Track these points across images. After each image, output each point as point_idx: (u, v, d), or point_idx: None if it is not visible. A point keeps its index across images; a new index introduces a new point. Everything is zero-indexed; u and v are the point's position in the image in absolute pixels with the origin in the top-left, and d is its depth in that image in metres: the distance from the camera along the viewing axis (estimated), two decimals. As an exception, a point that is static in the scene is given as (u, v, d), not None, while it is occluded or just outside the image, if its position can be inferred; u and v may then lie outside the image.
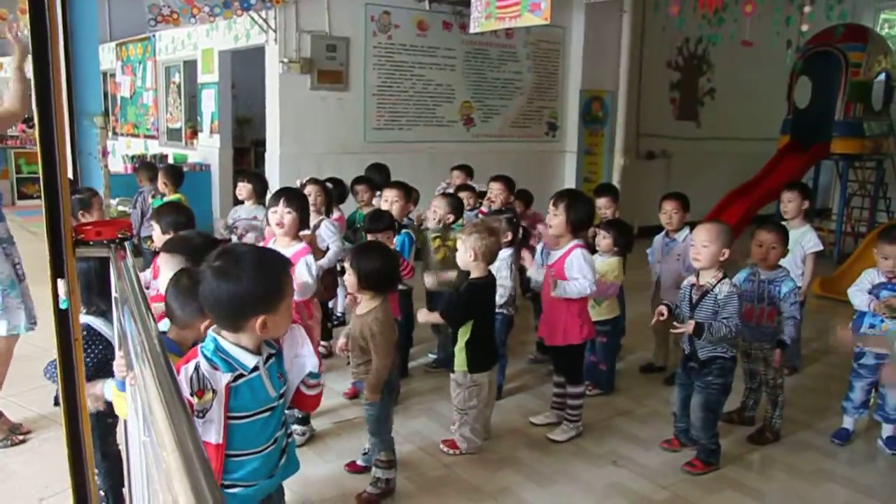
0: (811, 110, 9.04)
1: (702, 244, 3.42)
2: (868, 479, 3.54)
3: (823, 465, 3.67)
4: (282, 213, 3.63)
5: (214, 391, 1.89)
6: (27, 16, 3.89)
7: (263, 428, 2.00)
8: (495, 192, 5.32)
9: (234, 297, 1.87)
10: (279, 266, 1.99)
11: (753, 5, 7.22)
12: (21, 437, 3.72)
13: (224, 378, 1.90)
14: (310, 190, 4.72)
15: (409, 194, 4.95)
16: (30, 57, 1.88)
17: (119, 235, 2.12)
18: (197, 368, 1.89)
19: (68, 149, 1.92)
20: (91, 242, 2.09)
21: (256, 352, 1.96)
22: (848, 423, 3.95)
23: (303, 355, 2.10)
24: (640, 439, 3.88)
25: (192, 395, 1.86)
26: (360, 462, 3.41)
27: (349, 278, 3.13)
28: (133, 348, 1.33)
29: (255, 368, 1.95)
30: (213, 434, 1.90)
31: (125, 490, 2.90)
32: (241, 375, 1.93)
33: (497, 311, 3.96)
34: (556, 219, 3.72)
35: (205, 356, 1.92)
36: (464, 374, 3.57)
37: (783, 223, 4.38)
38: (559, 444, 3.80)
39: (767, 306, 3.76)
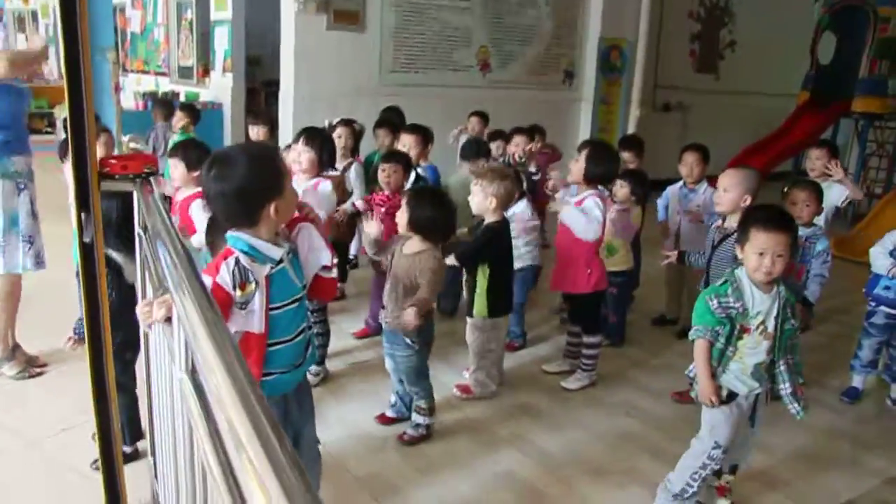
0: (834, 67, 8.89)
1: (723, 189, 3.42)
2: (875, 438, 3.57)
3: (832, 423, 3.69)
4: (300, 152, 3.61)
5: (256, 282, 1.99)
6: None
7: (294, 318, 2.13)
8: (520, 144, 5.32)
9: (241, 192, 1.97)
10: (269, 151, 2.25)
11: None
12: (38, 370, 3.76)
13: (264, 269, 2.01)
14: (340, 132, 4.68)
15: (427, 139, 4.89)
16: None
17: (145, 170, 2.11)
18: (237, 262, 1.98)
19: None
20: (116, 176, 2.07)
21: (277, 244, 2.06)
22: (857, 381, 3.97)
23: (317, 248, 2.23)
24: (652, 390, 3.91)
25: (234, 287, 1.96)
26: (389, 413, 3.42)
27: (400, 217, 3.12)
28: (171, 280, 1.33)
29: (281, 260, 2.06)
30: (255, 324, 2.02)
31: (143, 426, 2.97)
32: (272, 267, 2.04)
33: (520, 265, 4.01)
34: (576, 166, 3.70)
35: (242, 251, 2.00)
36: (483, 318, 3.58)
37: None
38: (572, 393, 3.83)
39: (798, 263, 3.74)
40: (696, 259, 3.73)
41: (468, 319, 3.68)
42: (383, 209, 3.93)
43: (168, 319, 1.61)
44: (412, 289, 3.07)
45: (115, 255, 2.70)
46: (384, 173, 4.08)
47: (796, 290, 3.77)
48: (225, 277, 1.96)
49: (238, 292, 1.96)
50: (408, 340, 3.12)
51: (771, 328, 2.53)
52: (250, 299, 1.99)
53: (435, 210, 3.10)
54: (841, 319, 5.21)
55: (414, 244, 3.14)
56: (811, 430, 3.57)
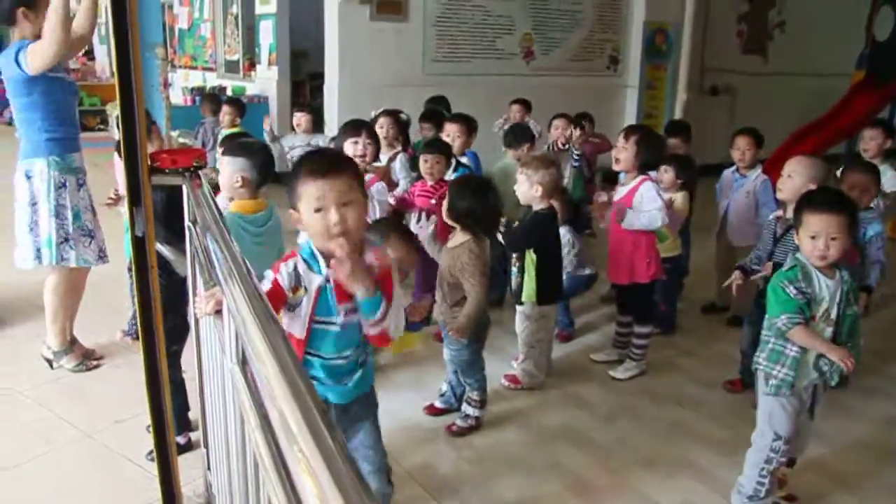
0: (892, 43, 8.59)
1: (787, 174, 3.32)
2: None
3: (891, 412, 3.59)
4: (364, 145, 3.63)
5: (306, 289, 1.99)
6: None
7: (335, 342, 2.05)
8: (561, 129, 5.24)
9: None
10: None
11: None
12: (95, 363, 3.84)
13: (317, 280, 1.99)
14: (382, 122, 4.68)
15: (472, 129, 4.86)
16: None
17: (194, 164, 2.14)
18: (296, 266, 1.99)
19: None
20: (167, 170, 2.11)
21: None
22: (919, 368, 3.85)
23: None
24: (703, 380, 3.84)
25: (289, 290, 1.97)
26: (438, 404, 3.42)
27: (444, 209, 3.14)
28: (220, 272, 1.34)
29: (328, 280, 1.99)
30: (297, 328, 2.02)
31: (191, 415, 3.02)
32: (327, 280, 2.00)
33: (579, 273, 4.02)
34: (624, 152, 3.62)
35: (302, 258, 2.01)
36: (532, 305, 3.56)
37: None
38: (621, 383, 3.79)
39: (852, 246, 3.63)
40: (738, 237, 3.63)
41: (517, 308, 3.66)
42: (433, 200, 3.93)
43: (218, 312, 1.63)
44: (456, 285, 3.07)
45: (162, 248, 2.74)
46: (426, 164, 4.07)
47: (852, 274, 3.67)
48: (283, 276, 1.98)
49: (291, 294, 1.98)
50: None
51: (834, 315, 2.46)
52: (299, 303, 2.00)
53: (475, 200, 3.08)
54: (902, 304, 5.06)
55: (456, 237, 3.13)
56: (870, 420, 3.48)
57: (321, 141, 5.22)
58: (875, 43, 8.80)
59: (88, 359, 3.84)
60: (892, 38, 8.59)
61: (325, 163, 1.93)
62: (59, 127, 3.56)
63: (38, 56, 3.34)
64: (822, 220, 2.38)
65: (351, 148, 3.69)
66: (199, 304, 1.87)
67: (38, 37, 3.38)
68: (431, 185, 4.08)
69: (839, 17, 10.05)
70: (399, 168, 4.63)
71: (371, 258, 1.97)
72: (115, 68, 1.86)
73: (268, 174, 3.06)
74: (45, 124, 3.51)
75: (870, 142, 4.49)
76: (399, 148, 4.78)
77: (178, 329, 2.78)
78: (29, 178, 3.56)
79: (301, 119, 5.46)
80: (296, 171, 1.95)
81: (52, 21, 3.26)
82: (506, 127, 6.04)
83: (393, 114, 4.89)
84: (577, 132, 5.30)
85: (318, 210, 1.88)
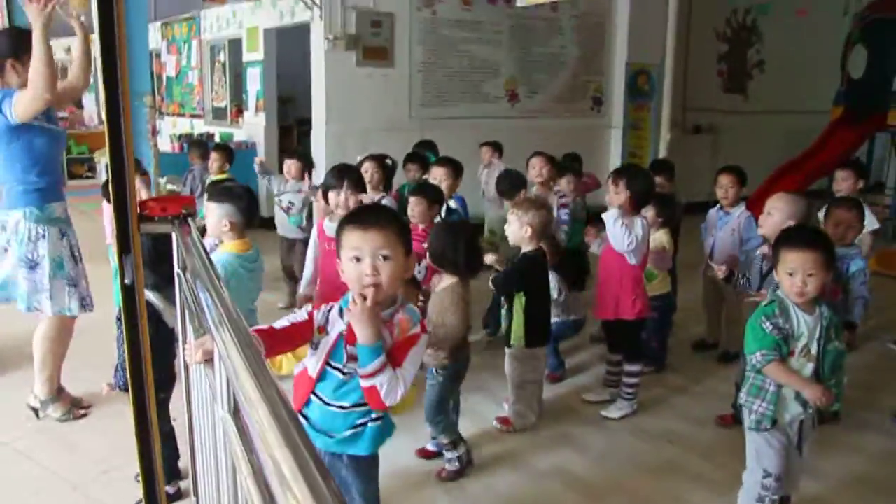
0: (867, 80, 8.78)
1: (767, 211, 3.37)
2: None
3: (885, 446, 3.59)
4: (346, 196, 3.61)
5: (328, 332, 2.07)
6: None
7: (336, 388, 2.08)
8: (538, 167, 5.19)
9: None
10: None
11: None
12: (82, 412, 3.81)
13: (339, 325, 2.05)
14: (367, 167, 4.68)
15: (458, 172, 4.87)
16: (94, 37, 1.91)
17: (183, 211, 2.15)
18: (331, 309, 2.09)
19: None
20: (156, 218, 2.11)
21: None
22: (910, 402, 3.86)
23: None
24: (695, 417, 3.84)
25: (317, 327, 2.07)
26: (430, 447, 3.40)
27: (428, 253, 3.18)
28: (211, 320, 1.34)
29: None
30: (312, 366, 2.09)
31: (180, 463, 2.99)
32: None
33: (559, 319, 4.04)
34: (618, 197, 3.67)
35: (340, 305, 2.08)
36: (520, 348, 3.56)
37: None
38: (613, 422, 3.78)
39: (833, 283, 3.66)
40: (743, 284, 3.67)
41: (506, 350, 3.66)
42: (424, 244, 3.94)
43: (208, 360, 1.63)
44: (442, 327, 3.08)
45: (151, 296, 2.74)
46: (410, 207, 4.10)
47: (835, 310, 3.69)
48: (319, 314, 2.09)
49: (317, 333, 2.07)
50: (434, 370, 3.13)
51: (814, 350, 2.48)
52: (319, 342, 2.08)
53: (454, 242, 3.11)
54: (886, 337, 5.08)
55: (443, 280, 3.16)
56: (864, 454, 3.47)
57: (305, 188, 5.23)
58: (850, 80, 8.98)
59: (76, 407, 3.80)
60: (866, 75, 8.78)
61: (369, 216, 2.04)
62: (41, 177, 3.55)
63: (22, 105, 3.36)
64: (798, 256, 2.42)
65: (333, 199, 3.70)
66: (188, 352, 1.87)
67: (24, 87, 3.40)
68: (423, 229, 4.08)
69: (815, 55, 10.26)
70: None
71: (399, 319, 2.03)
72: (104, 117, 1.88)
73: (253, 216, 3.18)
74: (25, 175, 3.51)
75: (842, 182, 4.58)
76: (383, 193, 4.79)
77: (166, 377, 2.78)
78: (4, 228, 3.56)
79: (291, 166, 5.48)
80: (342, 223, 2.07)
81: (35, 75, 3.28)
82: (485, 172, 6.07)
83: (378, 158, 4.91)
84: (568, 177, 5.20)
85: (356, 259, 1.96)
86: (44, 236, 3.55)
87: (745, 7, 10.19)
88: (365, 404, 2.06)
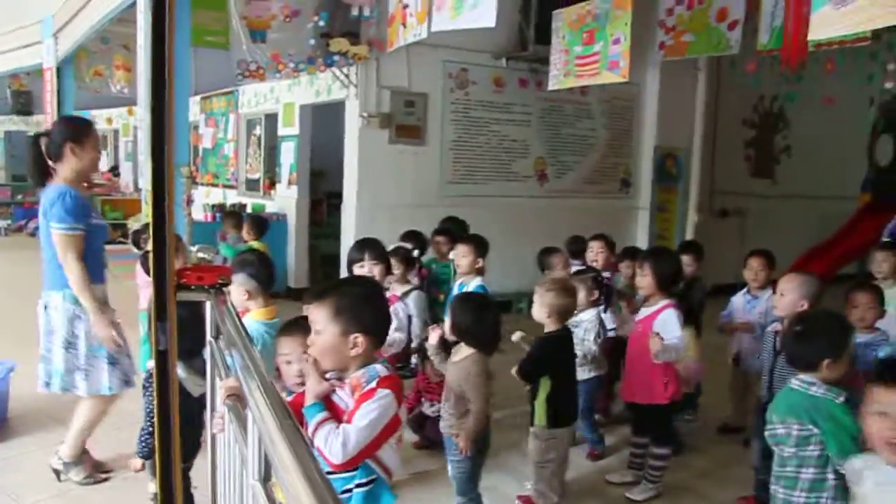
0: (894, 168, 8.81)
1: (780, 292, 3.41)
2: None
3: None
4: (369, 267, 3.68)
5: None
6: (121, 72, 4.18)
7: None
8: (595, 250, 5.22)
9: None
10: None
11: (833, 63, 7.14)
12: (104, 476, 3.82)
13: None
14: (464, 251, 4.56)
15: (482, 250, 4.82)
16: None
17: (219, 280, 2.20)
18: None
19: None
20: (192, 287, 2.17)
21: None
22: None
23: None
24: (719, 501, 3.76)
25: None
26: None
27: (447, 324, 3.19)
28: (246, 386, 1.37)
29: None
30: None
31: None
32: None
33: (588, 374, 4.03)
34: (644, 279, 3.70)
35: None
36: (542, 428, 3.53)
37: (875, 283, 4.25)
38: (637, 504, 3.72)
39: (860, 370, 3.62)
40: (751, 363, 3.67)
41: (530, 430, 3.63)
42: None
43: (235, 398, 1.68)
44: (462, 397, 3.10)
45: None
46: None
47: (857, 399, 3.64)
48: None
49: None
50: (456, 447, 3.12)
51: None
52: None
53: (480, 317, 3.14)
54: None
55: (461, 351, 3.18)
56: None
57: None
58: (878, 168, 9.01)
59: (98, 471, 3.81)
60: (893, 163, 8.81)
61: (321, 289, 2.22)
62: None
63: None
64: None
65: (358, 272, 3.76)
66: (216, 422, 1.91)
67: (79, 174, 3.64)
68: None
69: (842, 141, 10.32)
70: (413, 306, 4.39)
71: (351, 377, 2.11)
72: (149, 187, 1.96)
73: (268, 281, 3.28)
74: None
75: (882, 263, 4.54)
76: (412, 285, 4.74)
77: (191, 447, 2.81)
78: (46, 308, 3.66)
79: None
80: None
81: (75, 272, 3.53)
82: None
83: (402, 252, 4.83)
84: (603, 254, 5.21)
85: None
86: (80, 317, 3.62)
87: (772, 95, 10.33)
88: (347, 469, 2.09)
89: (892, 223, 7.50)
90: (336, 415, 2.07)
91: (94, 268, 3.70)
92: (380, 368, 2.12)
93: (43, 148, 3.67)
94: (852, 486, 2.32)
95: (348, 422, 2.03)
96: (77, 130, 3.70)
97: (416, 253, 5.03)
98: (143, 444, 3.33)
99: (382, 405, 2.06)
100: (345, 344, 2.09)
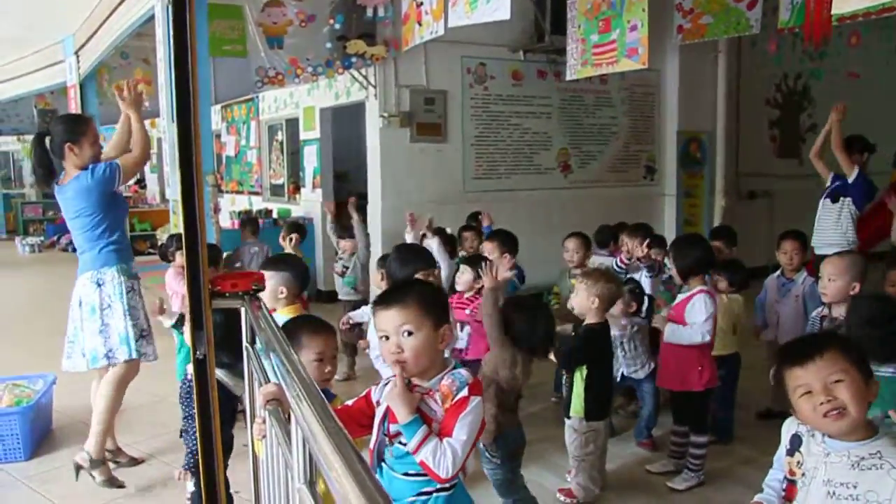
0: (926, 143, 8.65)
1: (828, 277, 3.34)
2: None
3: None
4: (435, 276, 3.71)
5: (379, 403, 2.12)
6: (141, 85, 4.34)
7: (397, 457, 2.08)
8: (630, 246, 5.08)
9: None
10: None
11: (858, 36, 7.02)
12: (119, 483, 3.90)
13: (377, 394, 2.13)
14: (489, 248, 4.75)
15: (509, 245, 4.81)
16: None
17: (253, 287, 2.21)
18: (386, 384, 2.10)
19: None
20: (227, 294, 2.18)
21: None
22: None
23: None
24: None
25: (375, 401, 2.14)
26: None
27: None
28: (288, 390, 1.38)
29: None
30: (372, 438, 2.13)
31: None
32: None
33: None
34: (673, 270, 3.68)
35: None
36: (580, 419, 3.52)
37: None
38: (680, 493, 3.69)
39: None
40: None
41: (566, 421, 3.62)
42: (467, 311, 3.96)
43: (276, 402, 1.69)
44: (495, 382, 3.11)
45: (220, 373, 2.82)
46: (457, 276, 4.17)
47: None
48: (376, 389, 2.16)
49: (377, 405, 2.13)
50: (487, 454, 3.10)
51: None
52: (376, 417, 2.13)
53: (532, 322, 3.12)
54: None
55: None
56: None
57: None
58: (911, 140, 8.84)
59: (111, 483, 3.86)
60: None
61: (392, 295, 2.13)
62: (121, 239, 3.93)
63: (130, 169, 3.87)
64: None
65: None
66: (257, 428, 1.93)
67: (82, 167, 3.79)
68: (467, 297, 4.09)
69: (871, 117, 10.15)
70: (436, 251, 4.66)
71: (440, 386, 2.04)
72: (180, 198, 1.98)
73: (305, 285, 3.51)
74: (109, 236, 3.85)
75: None
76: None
77: (225, 447, 2.82)
78: (100, 285, 3.83)
79: (346, 245, 5.75)
80: (373, 304, 2.20)
81: (141, 143, 3.92)
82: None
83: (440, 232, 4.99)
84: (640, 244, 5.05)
85: (385, 338, 2.05)
86: (133, 289, 3.90)
87: (796, 73, 10.18)
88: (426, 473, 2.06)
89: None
90: (428, 425, 2.02)
91: (124, 240, 4.00)
92: (465, 373, 2.09)
93: (48, 146, 3.88)
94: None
95: (446, 433, 1.99)
96: (72, 130, 3.85)
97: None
98: (191, 454, 3.34)
99: (477, 413, 2.04)
100: (438, 339, 2.07)
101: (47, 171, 3.94)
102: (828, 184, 5.86)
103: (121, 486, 3.88)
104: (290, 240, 6.03)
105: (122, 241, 3.93)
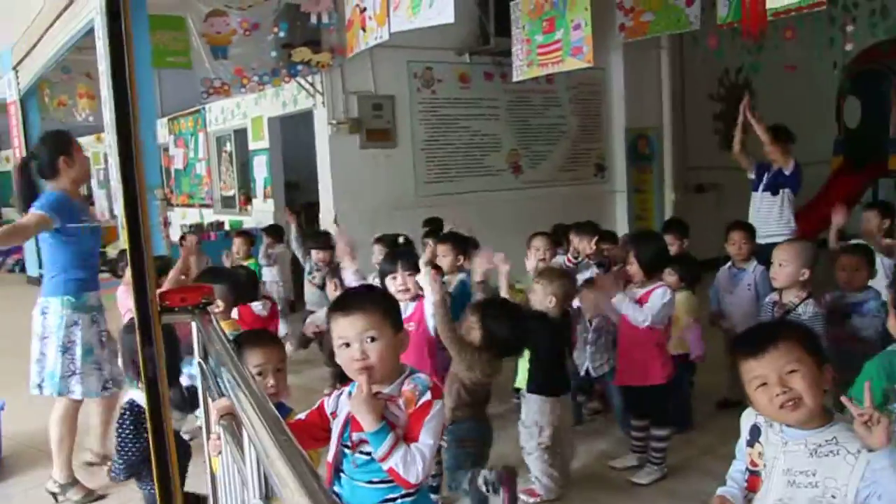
0: (863, 129, 8.91)
1: (779, 263, 3.41)
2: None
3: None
4: (403, 279, 3.49)
5: (337, 415, 2.10)
6: (84, 100, 4.33)
7: (361, 466, 2.05)
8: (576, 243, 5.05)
9: None
10: None
11: (793, 30, 7.18)
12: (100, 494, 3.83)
13: (347, 409, 2.05)
14: (443, 250, 4.59)
15: (462, 247, 4.77)
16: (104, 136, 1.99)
17: (203, 300, 2.17)
18: (342, 394, 2.10)
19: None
20: (176, 309, 2.14)
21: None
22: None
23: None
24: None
25: (330, 413, 2.12)
26: None
27: (474, 332, 3.14)
28: (239, 405, 1.35)
29: None
30: (330, 450, 2.09)
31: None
32: None
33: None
34: (632, 266, 3.70)
35: (349, 390, 2.07)
36: (530, 396, 3.53)
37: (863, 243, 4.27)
38: (643, 487, 3.72)
39: (848, 330, 3.64)
40: None
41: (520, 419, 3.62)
42: None
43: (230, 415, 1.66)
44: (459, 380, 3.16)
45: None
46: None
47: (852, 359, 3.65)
48: (330, 401, 2.14)
49: (331, 418, 2.11)
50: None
51: None
52: (333, 428, 2.10)
53: (502, 324, 3.14)
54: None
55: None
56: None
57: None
58: (847, 130, 9.10)
59: (91, 499, 3.81)
60: (861, 125, 8.91)
61: (352, 301, 2.09)
62: (79, 269, 3.81)
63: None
64: None
65: (391, 284, 3.56)
66: (213, 444, 1.89)
67: (75, 181, 3.82)
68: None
69: (810, 108, 10.39)
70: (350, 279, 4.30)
71: (403, 391, 2.03)
72: (123, 213, 1.93)
73: (241, 295, 3.51)
74: (67, 266, 3.77)
75: (871, 222, 4.58)
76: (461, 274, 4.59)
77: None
78: (44, 314, 3.76)
79: (322, 256, 5.76)
80: (329, 310, 2.14)
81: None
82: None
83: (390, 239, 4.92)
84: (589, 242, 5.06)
85: (345, 345, 2.00)
86: (77, 323, 3.77)
87: (737, 67, 10.39)
88: (392, 480, 2.04)
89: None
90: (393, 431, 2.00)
91: (87, 272, 3.88)
92: (424, 376, 2.09)
93: (34, 170, 3.84)
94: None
95: (411, 438, 1.98)
96: (65, 143, 3.90)
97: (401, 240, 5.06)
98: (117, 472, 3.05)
99: (440, 417, 2.05)
100: (398, 344, 2.06)
101: (30, 196, 3.82)
102: (751, 175, 6.01)
103: (100, 497, 3.83)
104: (238, 252, 5.95)
105: (76, 274, 3.80)
